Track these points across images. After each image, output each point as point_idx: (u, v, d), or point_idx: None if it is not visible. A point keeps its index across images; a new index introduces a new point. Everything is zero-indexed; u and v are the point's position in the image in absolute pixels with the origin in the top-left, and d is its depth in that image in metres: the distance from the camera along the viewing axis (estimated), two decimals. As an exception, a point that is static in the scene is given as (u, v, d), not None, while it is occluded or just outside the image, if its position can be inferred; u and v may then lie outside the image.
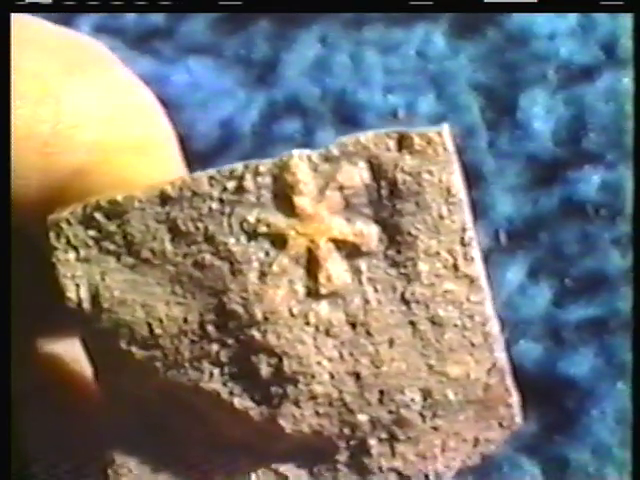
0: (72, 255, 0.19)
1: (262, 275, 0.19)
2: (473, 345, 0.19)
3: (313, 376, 0.19)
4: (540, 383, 0.26)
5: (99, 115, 0.20)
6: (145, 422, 0.20)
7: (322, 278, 0.19)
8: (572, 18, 0.30)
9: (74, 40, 0.21)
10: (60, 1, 0.24)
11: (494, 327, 0.19)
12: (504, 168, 0.29)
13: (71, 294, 0.19)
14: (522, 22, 0.30)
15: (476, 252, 0.19)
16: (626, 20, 0.30)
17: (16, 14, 0.20)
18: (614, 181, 0.29)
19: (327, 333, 0.19)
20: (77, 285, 0.19)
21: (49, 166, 0.20)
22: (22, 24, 0.20)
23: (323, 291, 0.19)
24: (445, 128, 0.19)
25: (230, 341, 0.19)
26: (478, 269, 0.19)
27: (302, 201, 0.19)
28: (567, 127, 0.30)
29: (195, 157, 0.26)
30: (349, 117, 0.30)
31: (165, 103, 0.24)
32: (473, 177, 0.29)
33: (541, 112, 0.30)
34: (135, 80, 0.22)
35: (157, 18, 0.31)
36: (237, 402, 0.19)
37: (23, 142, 0.19)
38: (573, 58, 0.30)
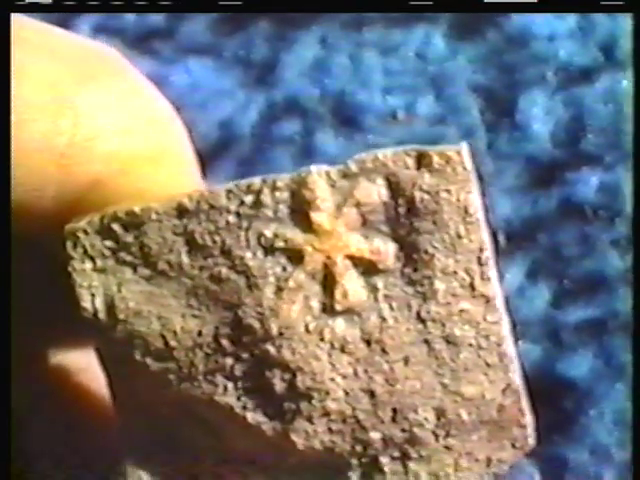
0: (88, 265, 0.19)
1: (278, 290, 0.19)
2: (488, 365, 0.19)
3: (327, 392, 0.19)
4: (539, 384, 0.26)
5: (115, 126, 0.20)
6: (158, 434, 0.20)
7: (338, 294, 0.19)
8: (571, 20, 0.30)
9: (88, 48, 0.21)
10: (60, 1, 0.24)
11: (509, 347, 0.19)
12: (503, 169, 0.29)
13: (87, 304, 0.19)
14: (521, 23, 0.30)
15: (493, 272, 0.19)
16: (625, 22, 0.30)
17: (27, 19, 0.20)
18: (612, 182, 0.29)
19: (342, 350, 0.19)
20: (93, 295, 0.19)
21: (66, 177, 0.20)
22: (34, 31, 0.20)
23: (339, 308, 0.19)
24: (464, 147, 0.19)
25: (245, 355, 0.19)
26: (494, 289, 0.19)
27: (319, 217, 0.19)
28: (566, 129, 0.30)
29: (195, 157, 0.26)
30: (348, 118, 0.30)
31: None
32: None
33: (540, 114, 0.30)
34: (150, 88, 0.22)
35: (157, 18, 0.31)
36: (250, 416, 0.19)
37: (40, 154, 0.19)
38: (572, 60, 0.30)
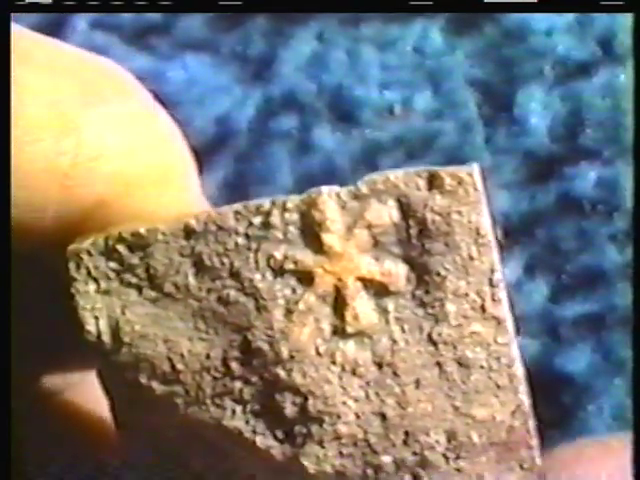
0: (92, 287, 0.19)
1: (288, 312, 0.18)
2: (498, 387, 0.18)
3: (339, 416, 0.18)
4: (537, 379, 0.26)
5: (120, 146, 0.20)
6: (163, 459, 0.19)
7: (349, 317, 0.18)
8: (569, 14, 0.30)
9: (95, 66, 0.20)
10: (60, 1, 0.23)
11: (519, 369, 0.19)
12: (501, 164, 0.29)
13: (90, 327, 0.19)
14: (519, 18, 0.30)
15: (503, 294, 0.19)
16: (623, 16, 0.29)
17: (32, 34, 0.20)
18: (611, 177, 0.29)
19: (353, 373, 0.18)
20: (96, 318, 0.19)
21: (68, 198, 0.19)
22: (39, 47, 0.20)
23: (350, 330, 0.18)
24: (475, 168, 0.18)
25: (254, 379, 0.19)
26: (505, 310, 0.18)
27: (330, 239, 0.18)
28: (564, 123, 0.30)
29: (191, 154, 0.26)
30: (346, 113, 0.30)
31: (161, 100, 0.24)
32: None
33: (538, 108, 0.30)
34: (155, 106, 0.21)
35: (154, 15, 0.31)
36: (259, 441, 0.19)
37: (42, 174, 0.19)
38: (570, 54, 0.30)
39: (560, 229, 0.29)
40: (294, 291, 0.18)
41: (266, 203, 0.18)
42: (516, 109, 0.30)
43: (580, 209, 0.29)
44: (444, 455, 0.19)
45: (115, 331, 0.19)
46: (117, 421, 0.19)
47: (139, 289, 0.19)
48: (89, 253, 0.19)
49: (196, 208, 0.20)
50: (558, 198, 0.29)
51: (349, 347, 0.18)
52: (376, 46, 0.31)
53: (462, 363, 0.18)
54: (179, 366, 0.19)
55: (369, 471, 0.19)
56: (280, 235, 0.18)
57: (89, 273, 0.19)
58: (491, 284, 0.18)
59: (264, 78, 0.31)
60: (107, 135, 0.19)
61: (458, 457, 0.19)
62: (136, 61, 0.31)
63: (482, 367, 0.18)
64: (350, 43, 0.31)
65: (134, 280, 0.19)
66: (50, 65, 0.19)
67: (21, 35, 0.19)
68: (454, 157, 0.30)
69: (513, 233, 0.29)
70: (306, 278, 0.18)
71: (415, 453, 0.19)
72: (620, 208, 0.29)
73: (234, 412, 0.19)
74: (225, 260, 0.18)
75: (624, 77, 0.29)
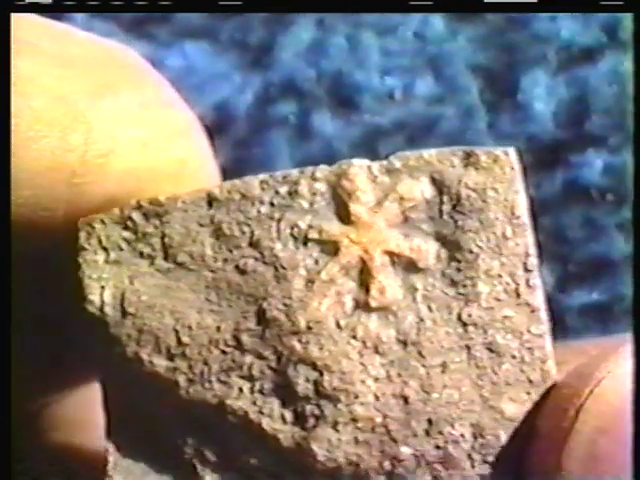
0: (101, 257, 0.18)
1: (309, 283, 0.17)
2: (531, 382, 0.17)
3: (356, 396, 0.17)
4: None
5: (132, 140, 0.18)
6: (155, 446, 0.18)
7: (374, 290, 0.17)
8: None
9: (106, 53, 0.19)
10: (60, 1, 0.22)
11: (553, 367, 0.17)
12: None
13: (94, 297, 0.18)
14: (522, 3, 0.30)
15: (538, 281, 0.18)
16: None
17: (35, 19, 0.18)
18: (618, 165, 0.28)
19: (375, 350, 0.17)
20: (102, 288, 0.18)
21: (77, 197, 0.18)
22: (43, 35, 0.18)
23: (374, 304, 0.17)
24: (512, 150, 0.18)
25: (266, 352, 0.17)
26: (539, 300, 0.17)
27: (358, 209, 0.17)
28: (569, 109, 0.29)
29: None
30: (345, 99, 0.30)
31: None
32: None
33: (542, 94, 0.29)
34: (171, 94, 0.20)
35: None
36: (266, 423, 0.18)
37: (50, 173, 0.18)
38: (575, 39, 0.29)
39: (566, 218, 0.29)
40: (316, 262, 0.18)
41: (294, 172, 0.18)
42: (520, 95, 0.29)
43: (587, 197, 0.29)
44: (469, 455, 0.17)
45: (120, 302, 0.18)
46: (106, 407, 0.18)
47: (151, 259, 0.18)
48: (102, 222, 0.18)
49: None
50: (564, 186, 0.29)
51: (372, 322, 0.17)
52: (376, 32, 0.30)
53: (493, 349, 0.17)
54: (185, 339, 0.18)
55: (386, 463, 0.17)
56: (306, 205, 0.18)
57: (100, 242, 0.18)
58: (526, 268, 0.17)
59: (263, 65, 0.30)
60: (118, 129, 0.18)
61: (485, 460, 0.17)
62: (135, 49, 0.30)
63: (514, 357, 0.17)
64: (350, 29, 0.30)
65: (147, 250, 0.18)
66: (57, 55, 0.18)
67: (27, 24, 0.18)
68: (456, 143, 0.28)
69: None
70: (330, 248, 0.18)
71: (438, 447, 0.17)
72: (627, 197, 0.28)
73: (241, 391, 0.18)
74: (245, 229, 0.18)
75: (630, 64, 0.29)
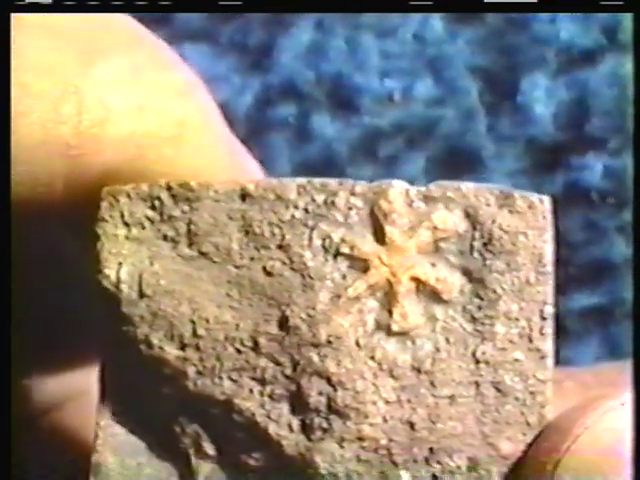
0: (122, 231, 0.17)
1: (334, 297, 0.17)
2: (528, 424, 0.17)
3: (366, 416, 0.17)
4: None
5: (128, 105, 0.18)
6: (150, 429, 0.18)
7: (396, 314, 0.17)
8: None
9: (92, 18, 0.18)
10: (60, 1, 0.21)
11: (550, 412, 0.18)
12: (504, 152, 0.29)
13: (110, 271, 0.17)
14: (522, 5, 0.29)
15: (551, 330, 0.18)
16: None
17: None
18: (619, 168, 0.28)
19: (390, 373, 0.17)
20: (119, 264, 0.17)
21: (74, 170, 0.17)
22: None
23: (395, 328, 0.17)
24: (547, 198, 0.18)
25: (282, 359, 0.17)
26: (549, 347, 0.18)
27: (393, 231, 0.17)
28: (569, 111, 0.29)
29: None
30: (345, 101, 0.30)
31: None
32: (471, 161, 0.28)
33: (542, 96, 0.29)
34: (168, 53, 0.19)
35: (152, 3, 0.30)
36: (272, 428, 0.17)
37: (43, 147, 0.17)
38: (574, 42, 0.29)
39: (567, 220, 0.28)
40: (344, 277, 0.17)
41: (333, 183, 0.17)
42: (519, 97, 0.29)
43: (587, 200, 0.28)
44: None
45: (138, 282, 0.17)
46: (104, 386, 0.18)
47: (174, 244, 0.18)
48: (128, 196, 0.18)
49: (221, 163, 0.19)
50: (565, 189, 0.29)
51: (390, 345, 0.17)
52: (376, 34, 0.30)
53: (499, 389, 0.17)
54: (201, 331, 0.17)
55: None
56: (341, 217, 0.17)
57: (122, 216, 0.18)
58: (542, 316, 0.18)
59: (263, 67, 0.30)
60: (111, 96, 0.18)
61: None
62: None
63: (517, 399, 0.17)
64: (349, 31, 0.30)
65: (171, 233, 0.18)
66: (43, 25, 0.17)
67: None
68: (455, 145, 0.29)
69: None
70: (359, 266, 0.17)
71: (435, 476, 0.17)
72: (628, 199, 0.28)
73: (251, 391, 0.17)
74: (276, 231, 0.17)
75: (630, 66, 0.28)
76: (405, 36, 0.30)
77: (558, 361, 0.24)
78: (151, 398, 0.18)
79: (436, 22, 0.30)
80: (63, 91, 0.17)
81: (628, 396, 0.17)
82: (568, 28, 0.29)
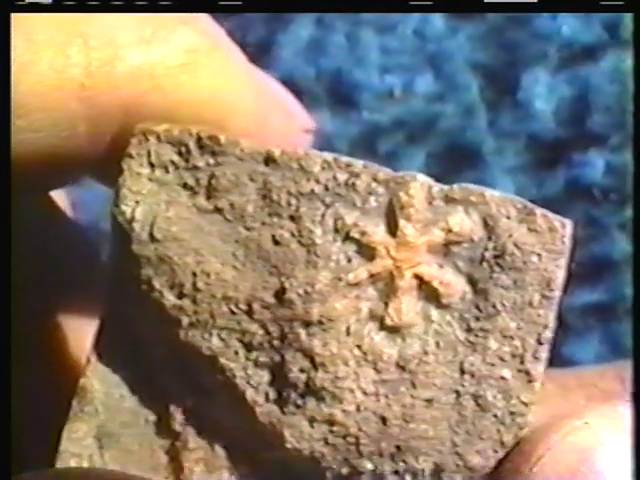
0: (146, 171, 0.17)
1: (335, 278, 0.17)
2: (502, 443, 0.17)
3: (341, 401, 0.17)
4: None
5: (134, 40, 0.18)
6: (137, 368, 0.18)
7: (392, 309, 0.17)
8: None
9: None
10: (60, 1, 0.21)
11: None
12: (504, 148, 0.29)
13: (126, 208, 0.17)
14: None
15: (545, 356, 0.18)
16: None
17: None
18: (620, 165, 0.28)
19: (373, 365, 0.17)
20: (137, 202, 0.17)
21: (93, 110, 0.17)
22: None
23: (388, 322, 0.17)
24: (569, 223, 0.18)
25: (272, 328, 0.17)
26: (539, 372, 0.17)
27: (407, 226, 0.17)
28: (570, 107, 0.29)
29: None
30: (345, 97, 0.30)
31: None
32: (472, 157, 0.28)
33: (543, 92, 0.29)
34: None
35: None
36: (249, 393, 0.17)
37: (57, 91, 0.17)
38: (576, 37, 0.29)
39: (568, 217, 0.28)
40: (349, 261, 0.17)
41: (358, 164, 0.17)
42: (520, 93, 0.29)
43: (589, 197, 0.28)
44: None
45: (150, 223, 0.17)
46: (102, 324, 0.18)
47: (193, 193, 0.18)
48: (158, 137, 0.18)
49: (240, 82, 0.19)
50: (566, 185, 0.28)
51: (379, 338, 0.17)
52: (376, 29, 0.30)
53: (479, 403, 0.17)
54: (200, 285, 0.17)
55: (344, 470, 0.18)
56: (359, 201, 0.17)
57: (149, 156, 0.18)
58: (539, 340, 0.17)
59: (262, 63, 0.30)
60: (117, 32, 0.18)
61: None
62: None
63: (495, 416, 0.17)
64: (349, 27, 0.30)
65: (191, 182, 0.18)
66: None
67: None
68: (456, 140, 0.29)
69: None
70: (366, 253, 0.17)
71: (397, 472, 0.18)
72: (629, 196, 0.28)
73: (236, 353, 0.18)
74: (293, 201, 0.17)
75: (631, 62, 0.28)
76: (405, 32, 0.30)
77: (559, 358, 0.24)
78: (143, 339, 0.18)
79: (436, 18, 0.29)
80: (68, 35, 0.17)
81: (607, 408, 0.16)
82: (569, 24, 0.29)
